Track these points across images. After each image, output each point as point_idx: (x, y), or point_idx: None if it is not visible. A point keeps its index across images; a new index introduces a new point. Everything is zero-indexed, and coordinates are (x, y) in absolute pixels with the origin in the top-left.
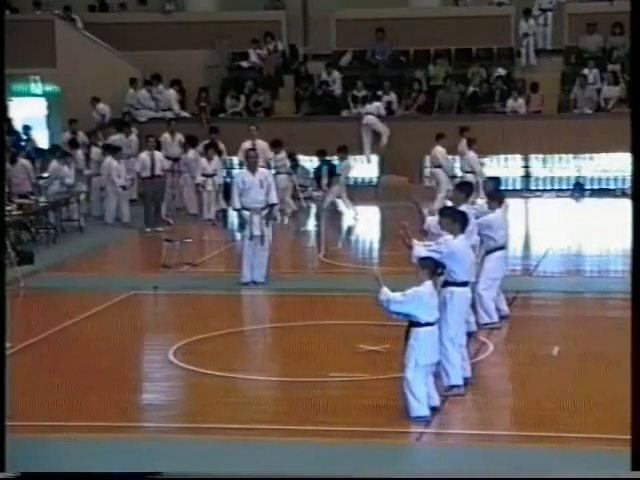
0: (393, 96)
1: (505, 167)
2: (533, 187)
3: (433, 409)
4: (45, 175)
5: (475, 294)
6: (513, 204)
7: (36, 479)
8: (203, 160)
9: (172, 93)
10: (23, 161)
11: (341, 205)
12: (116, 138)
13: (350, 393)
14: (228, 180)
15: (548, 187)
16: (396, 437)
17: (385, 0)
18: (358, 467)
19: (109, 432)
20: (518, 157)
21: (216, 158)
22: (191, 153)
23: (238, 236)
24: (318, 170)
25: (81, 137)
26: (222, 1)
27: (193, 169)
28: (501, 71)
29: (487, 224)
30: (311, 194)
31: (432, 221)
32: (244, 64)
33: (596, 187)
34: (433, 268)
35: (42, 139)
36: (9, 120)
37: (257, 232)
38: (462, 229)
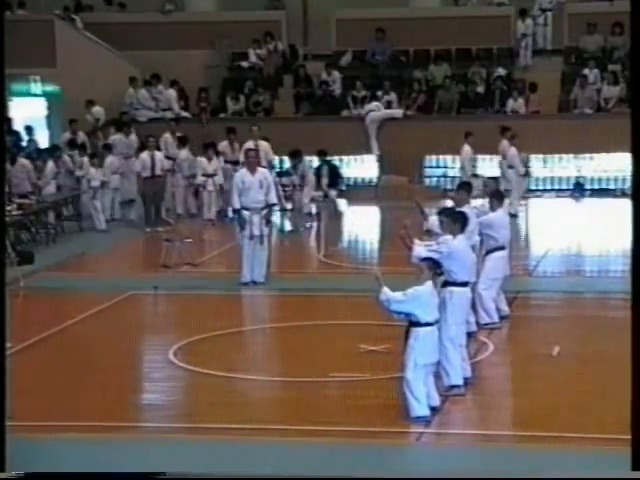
0: (393, 96)
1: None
2: (533, 187)
3: (433, 409)
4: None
5: (475, 294)
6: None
7: (37, 479)
8: (203, 160)
9: (172, 93)
10: (23, 161)
11: (341, 205)
12: (116, 138)
13: (350, 393)
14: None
15: (548, 187)
16: (396, 437)
17: (385, 0)
18: (358, 467)
19: (109, 432)
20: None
21: (215, 158)
22: (182, 153)
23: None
24: (318, 170)
25: (81, 137)
26: (222, 1)
27: (184, 169)
28: (501, 71)
29: (488, 223)
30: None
31: (435, 221)
32: (244, 64)
33: (596, 187)
34: (433, 268)
35: (42, 139)
36: (9, 120)
37: (257, 232)
38: (462, 229)
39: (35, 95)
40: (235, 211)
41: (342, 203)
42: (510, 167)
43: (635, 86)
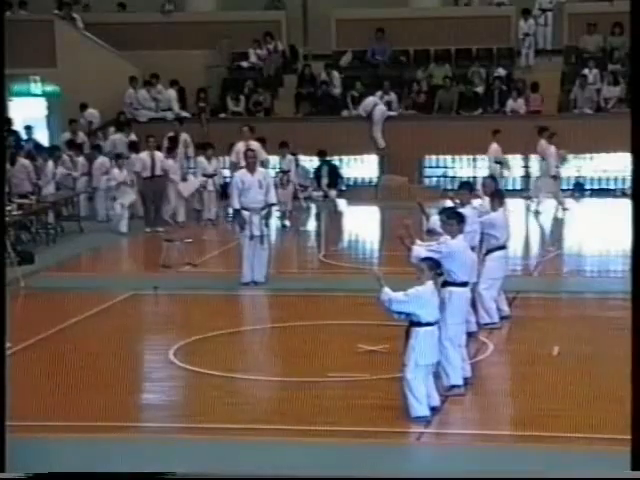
0: (393, 96)
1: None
2: (533, 187)
3: (433, 409)
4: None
5: (476, 294)
6: (513, 204)
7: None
8: (203, 160)
9: (172, 93)
10: (23, 161)
11: (341, 205)
12: (116, 138)
13: (350, 393)
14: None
15: None
16: (396, 437)
17: (385, 0)
18: (358, 467)
19: (109, 432)
20: (518, 157)
21: (215, 159)
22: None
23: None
24: (318, 170)
25: (81, 137)
26: (222, 1)
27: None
28: (501, 71)
29: (490, 222)
30: (311, 194)
31: (436, 220)
32: (244, 64)
33: (596, 187)
34: (434, 268)
35: (42, 139)
36: (9, 120)
37: (257, 232)
38: (461, 230)
39: (35, 95)
40: (235, 211)
41: (342, 203)
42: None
43: (635, 86)
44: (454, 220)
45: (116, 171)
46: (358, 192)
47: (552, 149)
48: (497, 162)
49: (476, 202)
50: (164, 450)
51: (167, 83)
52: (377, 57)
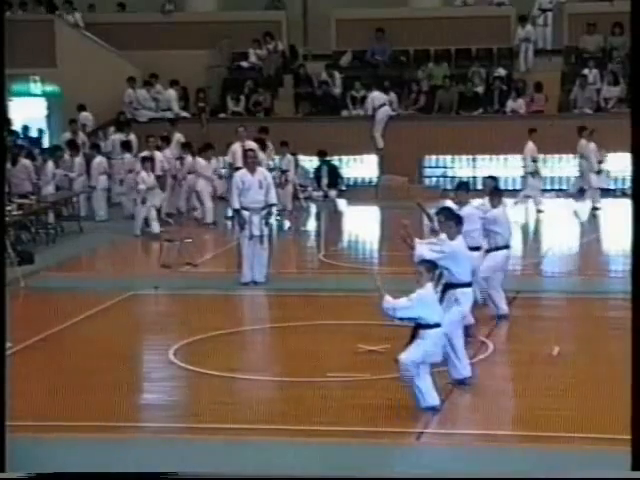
0: (393, 96)
1: (505, 167)
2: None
3: (433, 409)
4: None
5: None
6: (513, 204)
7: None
8: (202, 161)
9: (172, 93)
10: (24, 161)
11: (341, 205)
12: (116, 138)
13: (350, 393)
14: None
15: (548, 187)
16: (396, 437)
17: (385, 0)
18: (358, 467)
19: (109, 432)
20: (518, 157)
21: (214, 159)
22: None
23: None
24: (318, 170)
25: (81, 137)
26: (222, 1)
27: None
28: (501, 71)
29: (493, 219)
30: (311, 194)
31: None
32: (244, 64)
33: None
34: (431, 269)
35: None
36: (9, 120)
37: (256, 232)
38: (459, 230)
39: (35, 95)
40: (235, 211)
41: (342, 203)
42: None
43: (635, 86)
44: (452, 221)
45: (144, 174)
46: (358, 192)
47: (592, 146)
48: (533, 160)
49: (477, 201)
50: (164, 450)
51: (167, 83)
52: (377, 57)
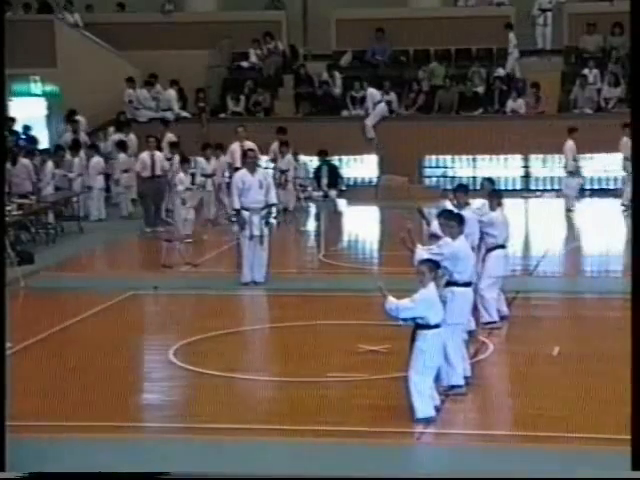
0: (393, 96)
1: (505, 167)
2: (533, 187)
3: (428, 420)
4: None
5: (477, 294)
6: (513, 204)
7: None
8: (202, 160)
9: (172, 93)
10: (24, 161)
11: (341, 205)
12: (115, 138)
13: (350, 393)
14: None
15: (548, 187)
16: (396, 437)
17: (385, 0)
18: (358, 467)
19: (109, 432)
20: (518, 157)
21: (214, 159)
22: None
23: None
24: (318, 170)
25: (82, 137)
26: (222, 1)
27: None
28: (501, 71)
29: (490, 222)
30: (311, 194)
31: (437, 225)
32: (244, 64)
33: (596, 187)
34: (433, 270)
35: (42, 139)
36: (11, 120)
37: (256, 232)
38: (461, 230)
39: (35, 95)
40: (235, 211)
41: (342, 203)
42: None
43: (635, 86)
44: (454, 222)
45: (182, 175)
46: (358, 192)
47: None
48: (574, 160)
49: (477, 203)
50: (164, 450)
51: (167, 83)
52: (377, 57)
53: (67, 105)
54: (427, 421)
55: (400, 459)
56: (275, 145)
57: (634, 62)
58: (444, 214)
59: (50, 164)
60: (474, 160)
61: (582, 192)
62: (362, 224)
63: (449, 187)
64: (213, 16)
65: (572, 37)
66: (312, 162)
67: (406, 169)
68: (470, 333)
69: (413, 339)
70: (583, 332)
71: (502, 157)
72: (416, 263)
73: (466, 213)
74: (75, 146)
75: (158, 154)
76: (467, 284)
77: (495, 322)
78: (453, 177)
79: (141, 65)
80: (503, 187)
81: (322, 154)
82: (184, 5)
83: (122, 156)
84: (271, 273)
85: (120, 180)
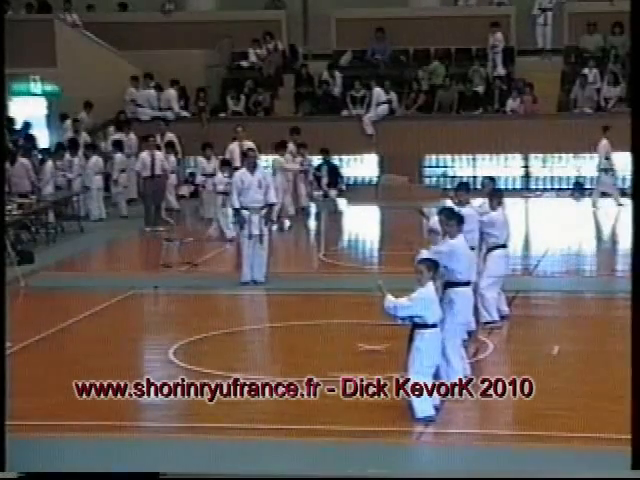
0: (393, 96)
1: (505, 167)
2: (533, 187)
3: (429, 419)
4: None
5: (477, 294)
6: (513, 204)
7: (37, 479)
8: (202, 160)
9: (172, 93)
10: (23, 160)
11: (341, 205)
12: (116, 137)
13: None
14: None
15: (548, 187)
16: (396, 437)
17: (385, 0)
18: (358, 467)
19: (109, 432)
20: (518, 157)
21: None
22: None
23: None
24: (318, 169)
25: (83, 137)
26: (222, 1)
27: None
28: (501, 71)
29: (490, 222)
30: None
31: (437, 220)
32: (244, 64)
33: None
34: (432, 269)
35: (42, 138)
36: (11, 119)
37: (256, 231)
38: (460, 229)
39: (35, 95)
40: (235, 210)
41: (342, 203)
42: None
43: (635, 86)
44: (454, 221)
45: (220, 176)
46: (358, 192)
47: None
48: (606, 158)
49: (477, 201)
50: (164, 450)
51: (167, 83)
52: (377, 57)
53: (67, 105)
54: (427, 421)
55: (400, 459)
56: (292, 146)
57: (634, 62)
58: (444, 212)
59: (50, 163)
60: (474, 160)
61: (582, 192)
62: (362, 224)
63: (449, 187)
64: (213, 16)
65: (572, 37)
66: (312, 162)
67: (406, 169)
68: (470, 333)
69: (411, 339)
70: (583, 332)
71: (502, 157)
72: (416, 261)
73: (466, 210)
74: (73, 146)
75: (158, 154)
76: (467, 283)
77: (495, 322)
78: (453, 177)
79: (141, 65)
80: (503, 187)
81: (324, 153)
82: (184, 5)
83: (119, 156)
84: (271, 273)
85: (118, 180)
